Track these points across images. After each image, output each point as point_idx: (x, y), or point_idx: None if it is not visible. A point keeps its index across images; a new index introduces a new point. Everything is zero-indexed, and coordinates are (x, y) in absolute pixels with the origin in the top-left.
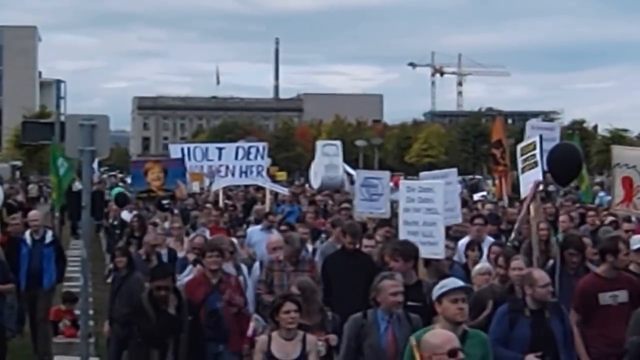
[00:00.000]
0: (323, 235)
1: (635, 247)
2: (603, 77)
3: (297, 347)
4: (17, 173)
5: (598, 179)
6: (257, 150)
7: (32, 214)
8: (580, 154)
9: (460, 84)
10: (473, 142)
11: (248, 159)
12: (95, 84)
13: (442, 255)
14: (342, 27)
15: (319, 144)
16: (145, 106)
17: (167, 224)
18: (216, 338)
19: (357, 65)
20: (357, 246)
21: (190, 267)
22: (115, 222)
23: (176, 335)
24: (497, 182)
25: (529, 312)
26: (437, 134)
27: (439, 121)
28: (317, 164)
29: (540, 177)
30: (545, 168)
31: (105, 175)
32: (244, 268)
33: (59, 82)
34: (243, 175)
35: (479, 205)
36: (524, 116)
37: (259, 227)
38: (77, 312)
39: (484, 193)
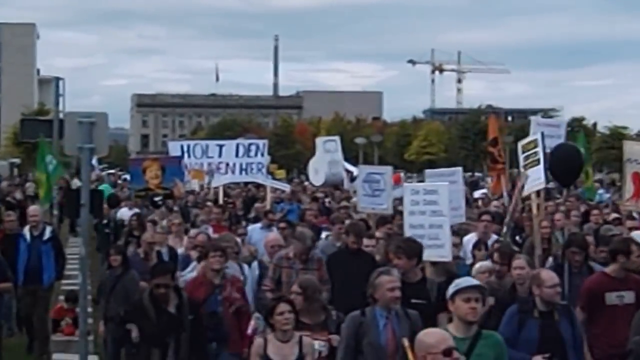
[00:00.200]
0: (326, 233)
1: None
2: (603, 75)
3: (294, 349)
4: (16, 171)
5: (597, 176)
6: (257, 147)
7: (32, 209)
8: (581, 155)
9: (459, 81)
10: (473, 140)
11: (248, 156)
12: (94, 82)
13: (449, 258)
14: (341, 24)
15: (320, 140)
16: (144, 103)
17: (165, 222)
18: (216, 339)
19: (357, 63)
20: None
21: (194, 263)
22: (105, 221)
23: (177, 335)
24: (494, 179)
25: (538, 313)
26: (437, 132)
27: (439, 118)
28: (318, 160)
29: (542, 175)
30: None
31: (104, 173)
32: (246, 267)
33: (57, 79)
34: (243, 172)
35: (480, 203)
36: (524, 114)
37: (258, 225)
38: (78, 309)
39: (484, 191)
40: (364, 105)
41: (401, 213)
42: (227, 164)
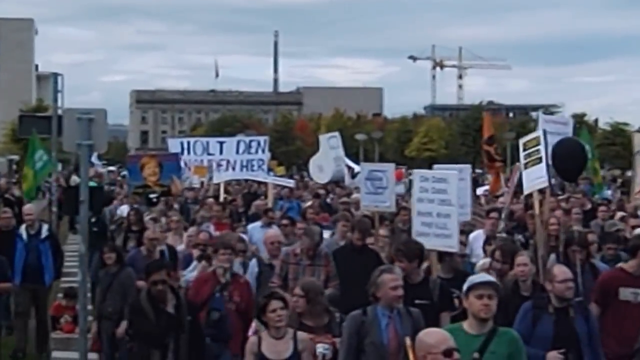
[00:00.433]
0: (328, 232)
1: None
2: (604, 71)
3: (289, 346)
4: (14, 167)
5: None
6: (259, 144)
7: (27, 207)
8: (584, 149)
9: (460, 77)
10: (474, 136)
11: (249, 153)
12: (92, 78)
13: (456, 249)
14: (341, 19)
15: (324, 137)
16: (144, 100)
17: (163, 220)
18: (218, 338)
19: (357, 59)
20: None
21: (195, 262)
22: (93, 219)
23: (176, 335)
24: (493, 178)
25: (552, 309)
26: (438, 128)
27: (440, 115)
28: (322, 157)
29: (545, 173)
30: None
31: (104, 170)
32: (250, 265)
33: (56, 75)
34: (244, 169)
35: (483, 200)
36: (525, 110)
37: (259, 224)
38: (78, 307)
39: (487, 187)
40: (365, 101)
41: (405, 209)
42: (228, 161)
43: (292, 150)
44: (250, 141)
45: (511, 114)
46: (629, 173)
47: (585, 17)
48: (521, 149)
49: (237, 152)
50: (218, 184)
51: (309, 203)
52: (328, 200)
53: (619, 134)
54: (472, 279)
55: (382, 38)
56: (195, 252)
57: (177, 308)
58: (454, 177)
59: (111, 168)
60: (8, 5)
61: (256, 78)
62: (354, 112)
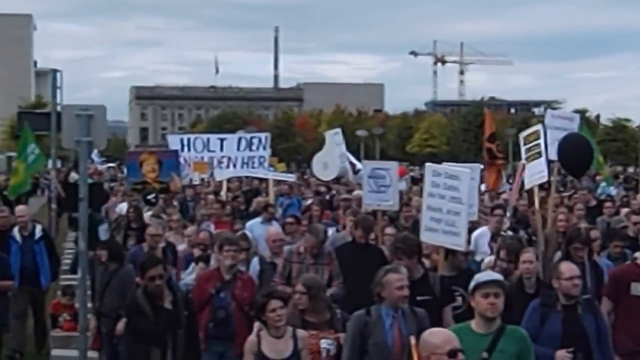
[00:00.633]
0: (332, 229)
1: None
2: (606, 66)
3: (289, 345)
4: (13, 164)
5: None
6: (260, 140)
7: (19, 209)
8: (591, 145)
9: (462, 73)
10: (475, 132)
11: (250, 149)
12: (92, 74)
13: (463, 247)
14: (342, 15)
15: (329, 133)
16: (143, 96)
17: (164, 217)
18: (222, 337)
19: (358, 54)
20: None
21: (192, 265)
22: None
23: (174, 331)
24: (493, 175)
25: (560, 307)
26: (439, 124)
27: (441, 111)
28: (327, 154)
29: (545, 168)
30: (555, 158)
31: (104, 167)
32: (253, 262)
33: (54, 71)
34: (245, 166)
35: (487, 197)
36: (526, 106)
37: (259, 220)
38: (77, 305)
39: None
40: (366, 97)
41: (407, 205)
42: (229, 158)
43: (293, 147)
44: (252, 138)
45: (513, 110)
46: (630, 169)
47: (587, 12)
48: (521, 143)
49: (239, 149)
50: (220, 182)
51: (309, 201)
52: (327, 197)
53: (621, 130)
54: (478, 277)
55: (383, 33)
56: (196, 252)
57: (174, 303)
58: (467, 175)
59: (111, 165)
60: (6, 1)
61: (256, 74)
62: (355, 108)
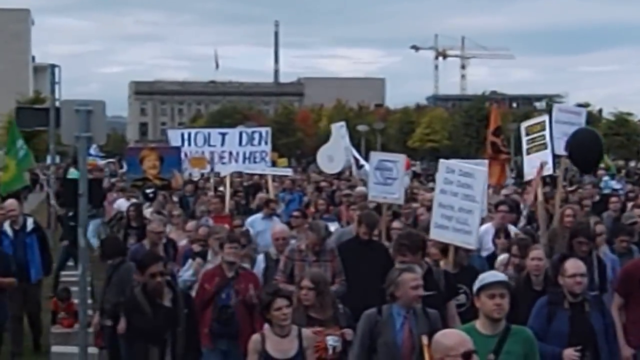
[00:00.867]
0: (335, 226)
1: None
2: (608, 60)
3: (294, 344)
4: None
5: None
6: (261, 135)
7: (9, 202)
8: (600, 140)
9: (463, 67)
10: (477, 127)
11: (252, 144)
12: (90, 69)
13: (474, 246)
14: (343, 9)
15: (335, 126)
16: (143, 91)
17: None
18: (226, 334)
19: (359, 49)
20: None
21: (190, 261)
22: (71, 214)
23: (173, 329)
24: (498, 170)
25: (568, 304)
26: (440, 118)
27: (442, 105)
28: (333, 147)
29: (550, 159)
30: (562, 153)
31: (103, 162)
32: (258, 259)
33: (53, 66)
34: (247, 161)
35: (491, 192)
36: (528, 100)
37: (259, 215)
38: (76, 300)
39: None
40: (367, 92)
41: (413, 200)
42: (230, 153)
43: (293, 142)
44: (253, 132)
45: (515, 104)
46: (632, 163)
47: (589, 6)
48: (523, 133)
49: (240, 143)
50: (222, 177)
51: (311, 196)
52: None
53: (623, 124)
54: (483, 278)
55: (384, 28)
56: (196, 247)
57: (173, 301)
58: (482, 173)
59: (111, 160)
60: None
61: (256, 69)
62: (356, 102)
